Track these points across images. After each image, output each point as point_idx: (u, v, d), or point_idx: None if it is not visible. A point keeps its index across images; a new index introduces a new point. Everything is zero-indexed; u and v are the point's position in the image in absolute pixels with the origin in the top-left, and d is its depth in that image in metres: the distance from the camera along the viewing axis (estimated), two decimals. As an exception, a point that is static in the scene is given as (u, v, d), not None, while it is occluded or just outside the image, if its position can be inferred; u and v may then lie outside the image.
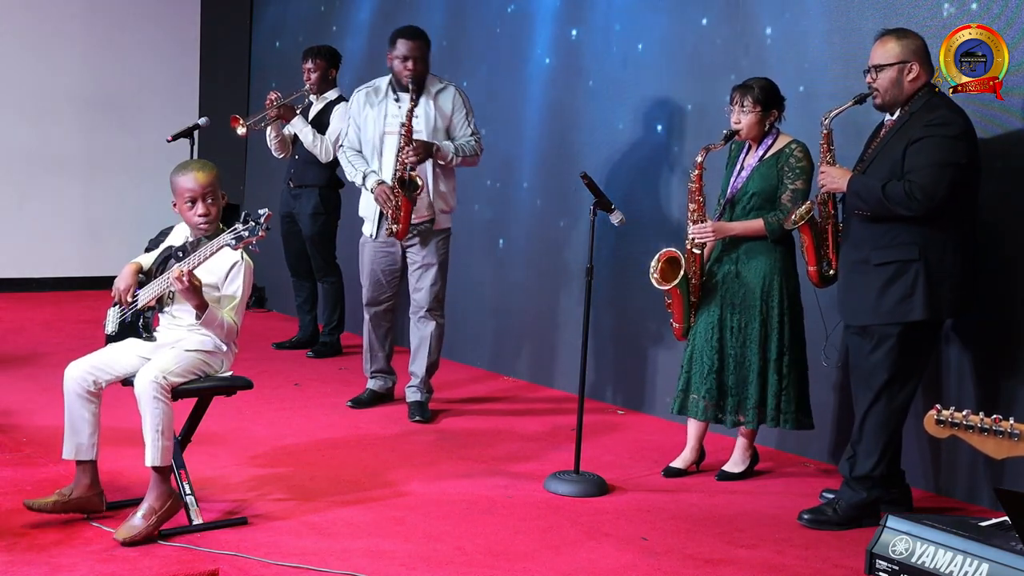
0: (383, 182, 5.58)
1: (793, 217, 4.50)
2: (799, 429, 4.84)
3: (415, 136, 5.52)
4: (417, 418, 5.73)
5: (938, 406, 3.14)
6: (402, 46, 5.59)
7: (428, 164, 5.59)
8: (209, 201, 3.99)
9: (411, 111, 5.51)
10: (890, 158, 4.22)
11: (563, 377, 6.52)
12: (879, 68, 4.24)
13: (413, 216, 5.56)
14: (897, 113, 4.28)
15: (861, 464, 4.34)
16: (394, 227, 5.57)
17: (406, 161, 5.48)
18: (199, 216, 3.99)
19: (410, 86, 5.56)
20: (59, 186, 9.10)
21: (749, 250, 4.76)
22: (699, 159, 4.75)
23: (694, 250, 4.78)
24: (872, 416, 4.31)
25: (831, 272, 4.53)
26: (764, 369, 4.76)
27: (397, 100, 5.66)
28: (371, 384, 6.03)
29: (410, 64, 5.57)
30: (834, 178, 4.35)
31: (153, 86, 9.34)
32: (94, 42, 9.15)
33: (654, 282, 4.77)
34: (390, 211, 5.55)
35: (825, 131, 4.41)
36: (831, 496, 4.49)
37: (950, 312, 4.29)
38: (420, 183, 5.49)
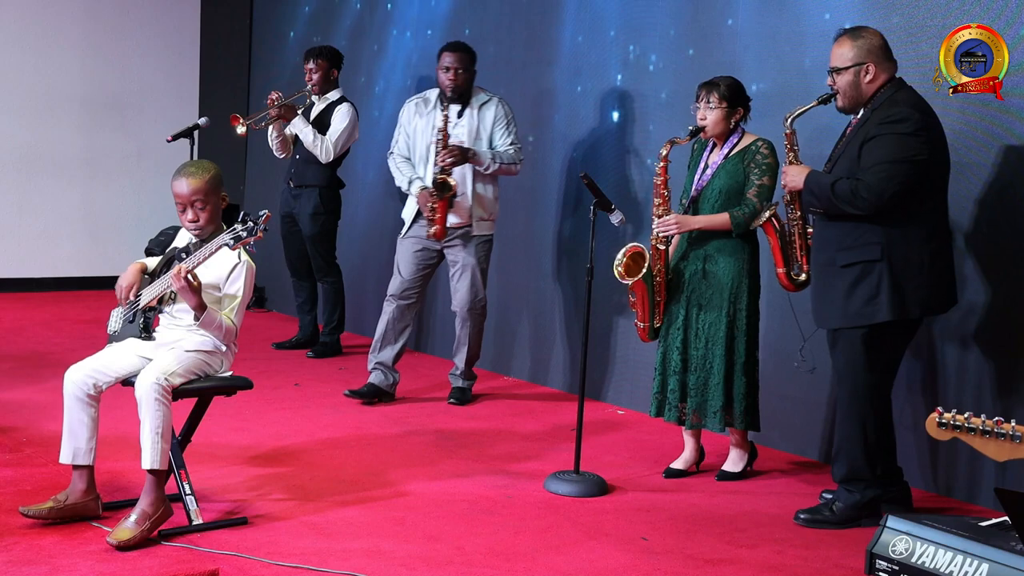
0: (426, 187, 5.87)
1: (758, 219, 4.53)
2: (753, 430, 4.85)
3: (455, 143, 5.84)
4: (452, 400, 6.06)
5: (939, 409, 3.15)
6: (446, 58, 5.95)
7: (468, 171, 5.87)
8: (198, 207, 3.98)
9: (445, 116, 5.85)
10: (849, 157, 4.23)
11: (558, 375, 6.52)
12: (837, 71, 4.27)
13: (453, 220, 5.89)
14: (861, 112, 4.29)
15: (847, 466, 4.34)
16: (432, 228, 5.88)
17: (442, 164, 5.78)
18: (188, 222, 4.02)
19: (449, 94, 5.91)
20: (59, 186, 9.10)
21: (717, 249, 4.74)
22: (664, 152, 4.75)
23: (659, 245, 4.76)
24: (849, 417, 4.32)
25: (803, 277, 4.53)
26: (730, 372, 4.75)
27: (443, 110, 5.93)
28: (372, 378, 6.07)
29: (451, 75, 5.90)
30: (793, 176, 4.37)
31: (153, 86, 9.34)
32: (94, 42, 9.15)
33: (617, 276, 4.74)
34: (428, 213, 5.85)
35: (788, 131, 4.43)
36: (830, 496, 4.50)
37: (921, 311, 4.25)
38: (453, 185, 5.80)
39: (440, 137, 5.82)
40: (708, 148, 4.84)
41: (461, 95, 5.96)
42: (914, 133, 4.12)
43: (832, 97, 4.34)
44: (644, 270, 4.70)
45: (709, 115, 4.71)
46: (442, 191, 5.81)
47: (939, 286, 4.25)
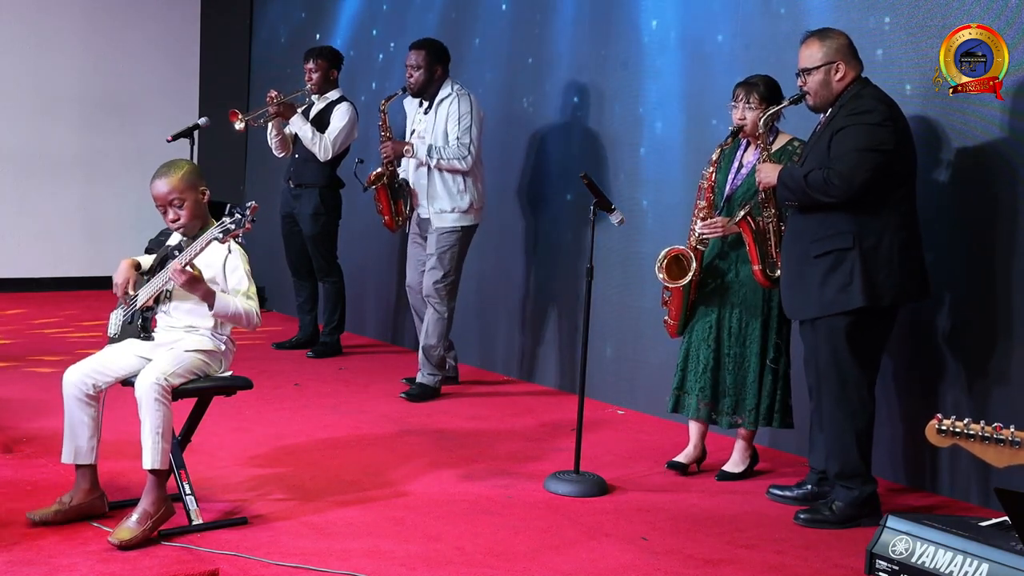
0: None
1: (734, 218, 4.56)
2: (784, 428, 4.87)
3: (416, 139, 6.15)
4: (403, 394, 6.12)
5: (939, 415, 3.15)
6: (408, 56, 6.15)
7: (423, 167, 6.12)
8: (176, 206, 3.99)
9: (383, 112, 6.25)
10: (819, 150, 4.31)
11: (558, 374, 6.52)
12: (807, 71, 4.35)
13: (422, 212, 6.16)
14: (829, 110, 4.36)
15: (840, 462, 4.36)
16: (383, 220, 6.35)
17: (384, 158, 6.23)
18: (171, 222, 4.04)
19: (410, 92, 6.20)
20: (59, 186, 9.10)
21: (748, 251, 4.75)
22: (713, 156, 4.77)
23: (698, 247, 4.78)
24: (839, 413, 4.34)
25: (777, 273, 4.58)
26: (762, 369, 4.76)
27: (420, 106, 6.19)
28: None
29: (408, 73, 6.15)
30: (767, 173, 4.46)
31: (153, 86, 9.34)
32: (94, 42, 9.16)
33: (660, 279, 4.77)
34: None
35: (761, 130, 4.54)
36: (780, 492, 4.62)
37: (893, 298, 4.30)
38: (379, 178, 6.18)
39: (381, 132, 6.25)
40: (742, 147, 4.84)
41: (423, 91, 6.13)
42: (880, 124, 4.20)
43: (802, 97, 4.40)
44: (688, 277, 4.72)
45: (749, 115, 4.71)
46: (374, 182, 6.20)
47: (911, 274, 4.32)
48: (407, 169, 6.24)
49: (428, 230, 6.19)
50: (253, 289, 4.03)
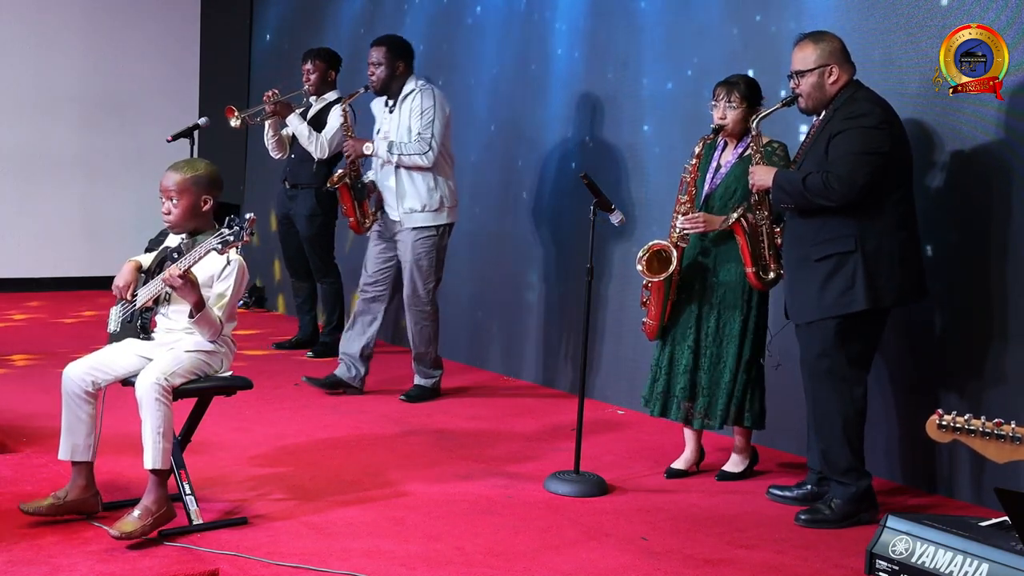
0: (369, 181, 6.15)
1: (728, 219, 4.57)
2: (758, 428, 4.87)
3: (381, 138, 5.99)
4: (402, 397, 6.08)
5: (940, 411, 3.15)
6: (369, 54, 6.00)
7: (389, 166, 5.94)
8: (174, 201, 4.02)
9: (344, 111, 6.26)
10: (816, 154, 4.31)
11: (558, 375, 6.52)
12: (800, 74, 4.36)
13: (392, 213, 5.96)
14: (823, 113, 4.37)
15: (837, 460, 4.37)
16: (349, 220, 6.15)
17: (347, 159, 6.11)
18: (163, 213, 4.07)
19: (362, 90, 6.15)
20: (59, 186, 9.11)
21: (729, 249, 4.72)
22: (697, 150, 4.76)
23: (680, 243, 4.76)
24: (833, 411, 4.35)
25: (771, 275, 4.59)
26: (737, 369, 4.76)
27: (386, 105, 6.03)
28: (337, 369, 6.18)
29: (370, 71, 5.99)
30: (761, 176, 4.46)
31: (153, 86, 9.35)
32: (94, 42, 9.17)
33: (640, 272, 4.75)
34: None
35: (754, 132, 4.54)
36: (779, 492, 4.63)
37: (894, 299, 4.33)
38: (341, 178, 6.03)
39: (344, 132, 6.21)
40: (720, 147, 4.84)
41: (386, 88, 5.99)
42: (877, 127, 4.22)
43: (795, 99, 4.41)
44: (670, 271, 4.69)
45: (729, 114, 4.71)
46: (338, 183, 6.05)
47: (911, 275, 4.34)
48: (376, 170, 6.10)
49: (396, 231, 5.98)
50: (230, 309, 4.04)
